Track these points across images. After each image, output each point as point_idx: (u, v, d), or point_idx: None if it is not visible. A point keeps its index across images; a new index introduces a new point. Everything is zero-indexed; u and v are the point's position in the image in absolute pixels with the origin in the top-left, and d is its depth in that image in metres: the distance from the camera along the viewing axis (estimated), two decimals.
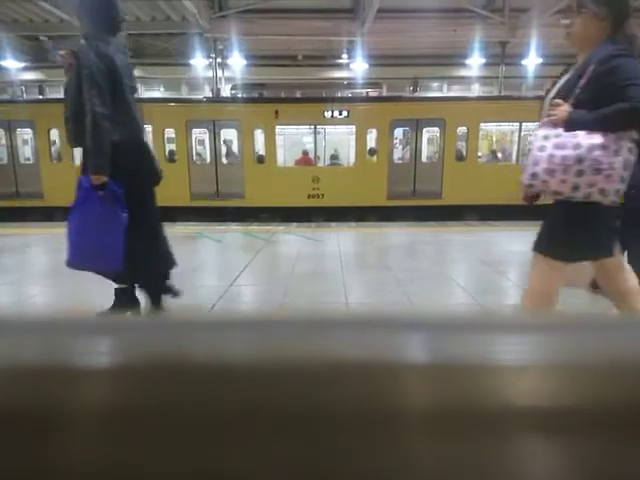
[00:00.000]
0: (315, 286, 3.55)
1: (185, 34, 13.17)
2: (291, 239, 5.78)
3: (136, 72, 12.20)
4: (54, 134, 10.69)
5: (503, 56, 12.87)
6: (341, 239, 5.68)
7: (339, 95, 15.58)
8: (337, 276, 3.75)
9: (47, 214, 9.37)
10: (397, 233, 6.38)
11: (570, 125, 1.79)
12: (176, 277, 3.86)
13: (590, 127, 1.74)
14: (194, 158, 11.19)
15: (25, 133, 11.35)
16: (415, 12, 11.25)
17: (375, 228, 6.90)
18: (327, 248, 5.19)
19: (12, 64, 14.02)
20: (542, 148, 1.81)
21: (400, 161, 11.34)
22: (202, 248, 5.50)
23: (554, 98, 1.91)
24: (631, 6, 1.88)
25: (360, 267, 4.26)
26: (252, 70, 15.08)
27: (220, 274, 4.10)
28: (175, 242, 5.51)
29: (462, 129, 10.80)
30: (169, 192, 11.07)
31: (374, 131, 10.87)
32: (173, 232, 6.15)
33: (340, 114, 10.74)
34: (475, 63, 13.93)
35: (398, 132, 11.38)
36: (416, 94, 15.96)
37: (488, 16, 11.40)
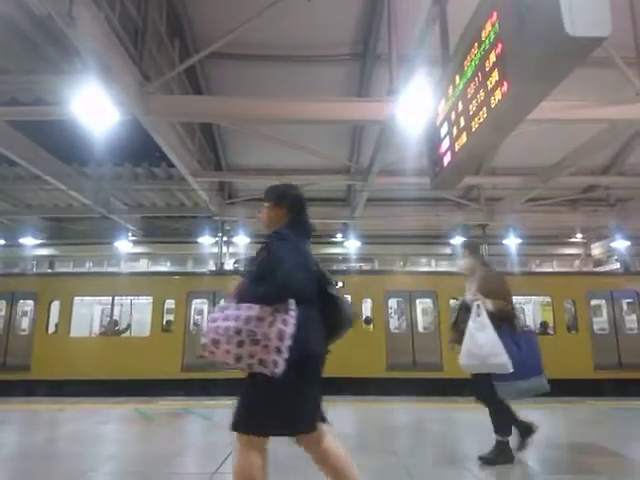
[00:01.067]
0: (309, 476, 3.15)
1: (196, 217, 14.59)
2: None
3: (145, 249, 12.96)
4: None
5: (484, 237, 14.07)
6: (338, 416, 5.27)
7: (335, 268, 16.44)
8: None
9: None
10: (398, 409, 5.96)
11: (239, 298, 1.95)
12: (155, 461, 3.47)
13: (251, 300, 1.90)
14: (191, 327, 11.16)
15: None
16: (399, 201, 12.72)
17: (374, 403, 6.47)
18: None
19: (29, 241, 15.05)
20: (214, 319, 1.91)
21: (397, 330, 11.32)
22: (188, 427, 5.05)
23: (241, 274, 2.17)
24: (305, 200, 2.31)
25: (361, 450, 3.86)
26: (254, 246, 16.19)
27: (203, 459, 3.67)
28: (160, 420, 5.12)
29: (454, 301, 11.10)
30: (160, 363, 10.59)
31: (369, 301, 11.14)
32: (160, 408, 5.75)
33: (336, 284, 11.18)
34: (458, 242, 15.11)
35: (392, 302, 11.66)
36: (407, 269, 16.92)
37: (466, 204, 12.86)
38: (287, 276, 1.86)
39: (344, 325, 2.13)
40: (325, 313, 2.05)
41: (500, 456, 3.27)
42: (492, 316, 3.18)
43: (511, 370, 3.05)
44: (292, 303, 1.87)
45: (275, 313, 1.84)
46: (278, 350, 1.78)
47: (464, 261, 3.56)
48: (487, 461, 3.28)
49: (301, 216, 2.22)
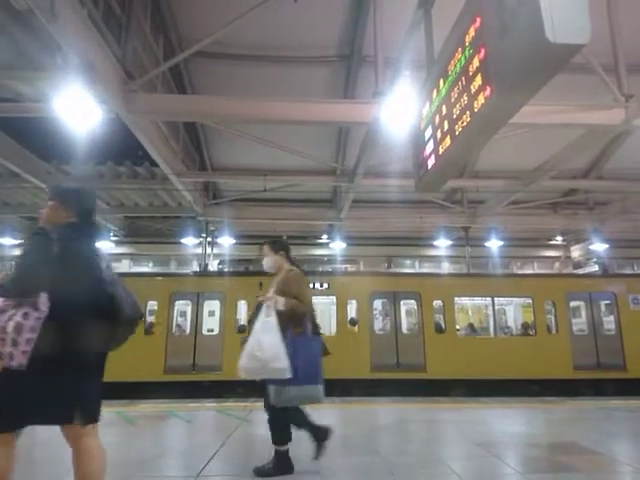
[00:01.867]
0: (294, 477, 3.15)
1: (180, 217, 14.44)
2: None
3: (127, 250, 12.76)
4: None
5: (467, 239, 14.26)
6: (323, 417, 5.27)
7: (320, 269, 16.45)
8: (319, 463, 3.36)
9: None
10: (383, 409, 5.99)
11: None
12: (137, 465, 3.42)
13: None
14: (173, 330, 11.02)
15: None
16: (384, 203, 12.81)
17: (360, 403, 6.49)
18: None
19: (8, 241, 14.69)
20: None
21: (381, 332, 11.38)
22: (170, 430, 4.99)
23: None
24: (94, 204, 2.38)
25: (345, 450, 3.86)
26: (239, 247, 16.11)
27: (186, 462, 3.63)
28: (142, 423, 5.05)
29: (438, 302, 11.20)
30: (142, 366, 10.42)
31: (354, 302, 11.17)
32: (141, 411, 5.67)
33: (321, 286, 11.18)
34: (442, 244, 15.30)
35: (377, 304, 11.70)
36: (391, 270, 17.04)
37: (449, 206, 13.01)
38: (20, 271, 1.95)
39: (121, 324, 2.10)
40: (103, 311, 2.03)
41: (277, 468, 3.13)
42: (281, 315, 3.04)
43: (289, 376, 2.91)
44: (42, 297, 1.87)
45: (18, 306, 1.85)
46: (14, 342, 1.79)
47: (267, 259, 3.51)
48: (261, 472, 3.12)
49: (87, 218, 2.21)
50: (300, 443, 4.08)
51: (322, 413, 5.48)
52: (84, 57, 5.03)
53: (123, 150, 10.71)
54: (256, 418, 5.31)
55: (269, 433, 3.20)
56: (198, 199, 12.17)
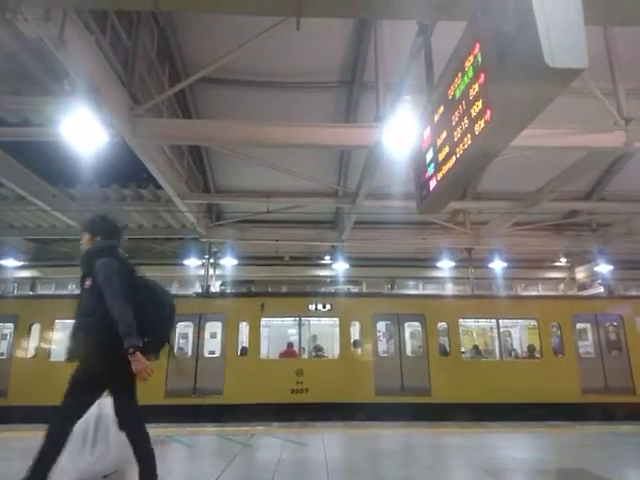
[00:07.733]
0: None
1: (183, 239, 14.48)
2: (271, 442, 5.22)
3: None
4: None
5: (470, 260, 14.21)
6: (327, 442, 5.16)
7: (323, 291, 16.35)
8: None
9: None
10: (387, 434, 5.86)
11: None
12: None
13: None
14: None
15: None
16: (387, 224, 12.83)
17: (363, 428, 6.35)
18: (311, 453, 4.66)
19: (11, 263, 14.70)
20: None
21: (385, 354, 11.22)
22: (171, 454, 4.87)
23: None
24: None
25: (348, 476, 3.76)
26: (242, 268, 16.08)
27: None
28: None
29: (442, 324, 11.07)
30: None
31: (357, 324, 11.05)
32: None
33: (324, 307, 11.08)
34: (445, 266, 15.22)
35: (380, 326, 11.57)
36: (394, 291, 16.96)
37: (452, 228, 13.02)
38: None
39: None
40: None
41: None
42: None
43: None
44: None
45: None
46: None
47: None
48: None
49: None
50: (313, 469, 3.98)
51: (326, 438, 5.37)
52: (91, 83, 5.15)
53: (128, 173, 10.85)
54: (258, 443, 5.20)
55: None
56: (201, 221, 12.23)
